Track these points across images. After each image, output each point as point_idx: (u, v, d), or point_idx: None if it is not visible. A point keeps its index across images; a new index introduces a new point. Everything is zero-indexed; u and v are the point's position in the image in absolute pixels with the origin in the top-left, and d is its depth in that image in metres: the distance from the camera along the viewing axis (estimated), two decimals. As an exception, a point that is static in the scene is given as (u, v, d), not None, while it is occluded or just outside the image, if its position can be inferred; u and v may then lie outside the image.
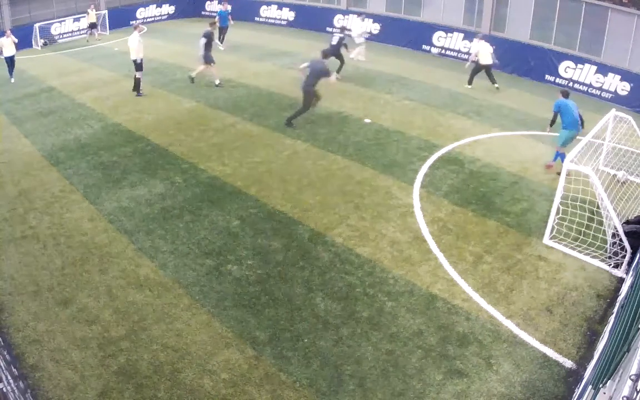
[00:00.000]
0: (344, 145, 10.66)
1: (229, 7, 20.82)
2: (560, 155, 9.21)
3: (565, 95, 9.32)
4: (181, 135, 11.17)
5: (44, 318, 5.82)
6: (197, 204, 8.32)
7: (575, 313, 6.02)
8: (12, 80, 16.12)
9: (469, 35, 18.51)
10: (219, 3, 22.92)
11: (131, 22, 25.42)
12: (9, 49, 16.17)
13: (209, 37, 14.66)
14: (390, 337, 5.59)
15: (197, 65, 15.02)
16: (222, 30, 19.88)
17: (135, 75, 14.04)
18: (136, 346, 5.43)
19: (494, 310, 6.01)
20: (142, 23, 25.36)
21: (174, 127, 11.69)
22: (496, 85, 14.81)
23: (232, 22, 20.47)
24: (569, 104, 9.12)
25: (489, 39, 18.00)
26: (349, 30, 15.60)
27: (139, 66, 13.93)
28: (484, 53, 14.68)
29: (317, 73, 11.34)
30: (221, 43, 19.75)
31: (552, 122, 9.45)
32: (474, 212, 8.16)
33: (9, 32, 16.73)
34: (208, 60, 14.75)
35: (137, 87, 14.08)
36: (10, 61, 16.21)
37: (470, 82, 15.08)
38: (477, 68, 14.93)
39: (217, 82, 14.79)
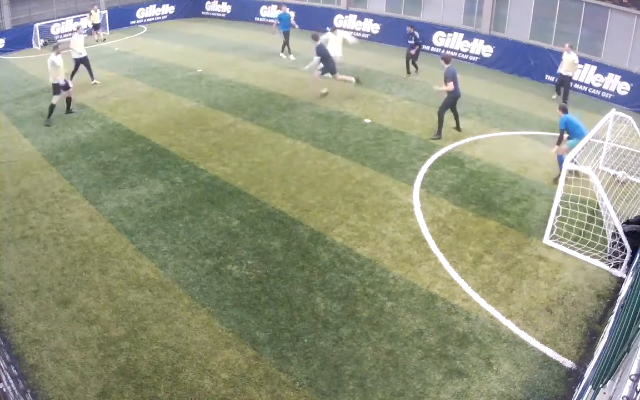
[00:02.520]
0: (344, 145, 10.66)
1: (287, 10, 18.87)
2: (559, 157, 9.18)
3: (565, 110, 9.10)
4: (181, 135, 11.17)
5: (44, 318, 5.82)
6: (197, 204, 8.32)
7: (575, 313, 6.02)
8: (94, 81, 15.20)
9: (469, 36, 18.52)
10: (278, 8, 20.48)
11: (131, 22, 25.52)
12: (80, 47, 14.61)
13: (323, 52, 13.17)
14: (390, 337, 5.59)
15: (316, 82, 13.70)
16: (285, 36, 18.03)
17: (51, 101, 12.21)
18: (136, 346, 5.43)
19: (494, 310, 6.01)
20: (142, 23, 25.46)
21: (174, 127, 11.69)
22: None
23: (296, 24, 18.26)
24: (573, 119, 8.94)
25: (489, 39, 18.07)
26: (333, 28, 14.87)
27: (56, 90, 12.11)
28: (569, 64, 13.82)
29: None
30: (289, 53, 18.09)
31: (560, 140, 8.98)
32: (474, 212, 8.16)
33: (78, 26, 15.08)
34: (331, 70, 13.27)
35: (50, 113, 12.11)
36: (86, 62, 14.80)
37: (560, 94, 14.32)
38: (562, 79, 14.07)
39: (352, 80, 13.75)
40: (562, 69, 13.85)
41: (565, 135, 8.98)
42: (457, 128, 11.55)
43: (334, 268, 6.76)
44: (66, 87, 12.25)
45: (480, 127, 11.91)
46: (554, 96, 14.27)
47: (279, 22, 18.00)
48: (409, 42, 16.08)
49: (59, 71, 12.07)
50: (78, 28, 15.06)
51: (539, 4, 17.04)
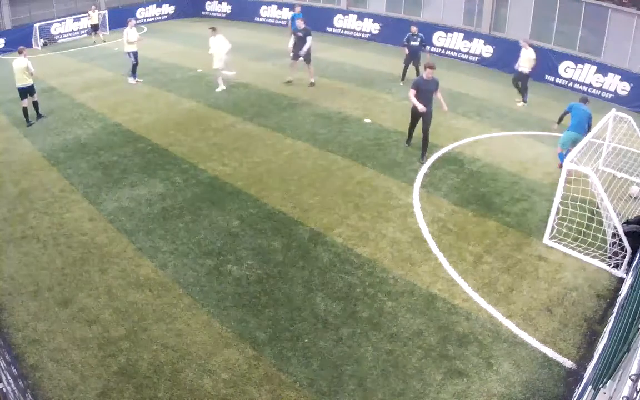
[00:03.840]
0: (344, 145, 10.66)
1: (299, 9, 17.41)
2: (559, 155, 9.22)
3: (583, 100, 9.37)
4: (181, 135, 11.17)
5: (44, 318, 5.82)
6: (197, 204, 8.32)
7: (575, 313, 6.01)
8: (135, 80, 15.19)
9: (469, 36, 18.52)
10: (290, 10, 19.73)
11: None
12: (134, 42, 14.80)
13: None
14: (390, 337, 5.59)
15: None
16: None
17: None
18: (136, 346, 5.43)
19: (494, 310, 6.01)
20: (142, 23, 25.46)
21: (174, 127, 11.69)
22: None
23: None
24: (581, 108, 9.12)
25: (489, 39, 18.07)
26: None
27: (22, 93, 11.88)
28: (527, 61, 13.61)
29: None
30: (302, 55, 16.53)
31: (560, 119, 9.62)
32: (474, 212, 8.16)
33: (132, 21, 15.27)
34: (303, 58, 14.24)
35: (27, 116, 11.97)
36: (135, 57, 14.93)
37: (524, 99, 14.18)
38: (518, 77, 13.87)
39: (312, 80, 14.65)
40: (520, 66, 13.52)
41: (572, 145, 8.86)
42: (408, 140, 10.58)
43: (334, 268, 6.75)
44: (32, 91, 11.96)
45: (480, 127, 11.91)
46: (519, 102, 13.67)
47: (291, 22, 16.75)
48: (412, 44, 14.87)
49: (19, 75, 11.78)
50: (129, 21, 15.37)
51: (539, 4, 17.05)
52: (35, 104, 12.21)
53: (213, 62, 14.14)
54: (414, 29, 15.10)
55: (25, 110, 11.95)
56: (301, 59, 14.48)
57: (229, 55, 14.20)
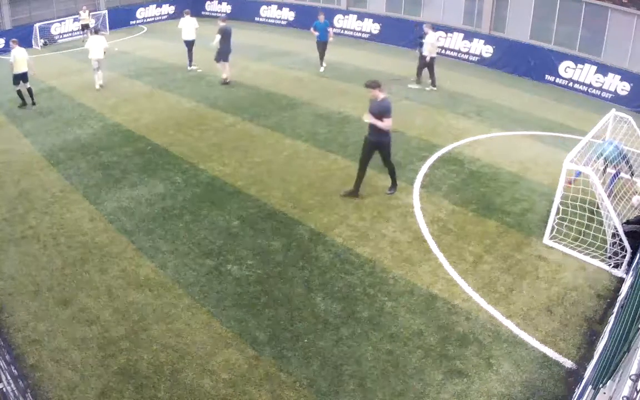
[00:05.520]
0: (344, 145, 10.66)
1: (323, 18, 16.16)
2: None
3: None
4: (181, 135, 11.17)
5: (44, 318, 5.82)
6: (197, 204, 8.32)
7: (575, 313, 6.02)
8: (194, 67, 16.53)
9: (469, 36, 18.52)
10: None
11: (131, 22, 25.52)
12: (189, 33, 16.17)
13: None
14: (390, 337, 5.59)
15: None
16: (321, 47, 16.17)
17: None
18: (136, 346, 5.43)
19: (494, 310, 6.01)
20: (142, 23, 25.47)
21: (174, 127, 11.69)
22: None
23: (332, 38, 16.17)
24: (605, 145, 8.42)
25: (489, 39, 18.07)
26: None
27: (16, 80, 13.15)
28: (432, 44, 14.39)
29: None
30: (321, 63, 16.48)
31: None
32: (474, 212, 8.16)
33: (187, 11, 16.84)
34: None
35: (22, 97, 13.26)
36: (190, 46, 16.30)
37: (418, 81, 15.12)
38: (424, 62, 14.64)
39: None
40: (425, 52, 14.18)
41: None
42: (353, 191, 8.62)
43: (334, 268, 6.75)
44: (25, 77, 13.15)
45: (480, 127, 11.91)
46: (425, 87, 14.58)
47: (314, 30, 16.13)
48: (422, 41, 14.80)
49: (21, 63, 13.02)
50: (188, 12, 16.91)
51: (539, 4, 17.05)
52: (29, 90, 13.33)
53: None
54: (427, 27, 15.29)
55: (19, 92, 13.19)
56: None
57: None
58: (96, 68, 14.64)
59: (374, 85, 8.10)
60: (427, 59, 14.26)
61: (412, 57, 18.58)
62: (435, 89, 14.57)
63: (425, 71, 14.74)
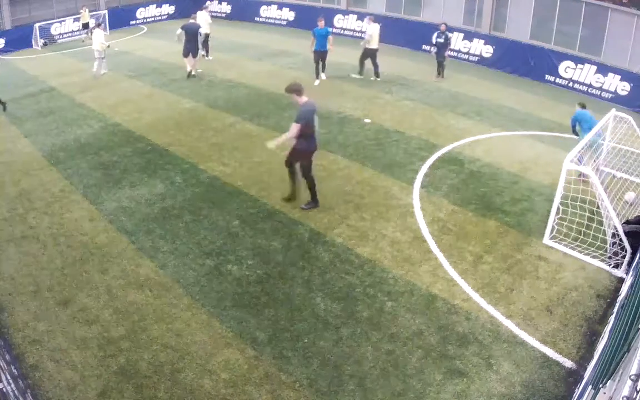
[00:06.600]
0: (344, 145, 10.66)
1: (323, 23, 14.76)
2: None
3: (582, 106, 9.26)
4: (181, 135, 11.17)
5: (44, 318, 5.82)
6: (197, 204, 8.32)
7: (575, 313, 6.02)
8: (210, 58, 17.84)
9: (469, 36, 18.53)
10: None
11: (131, 22, 25.51)
12: (203, 27, 16.75)
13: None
14: (390, 337, 5.59)
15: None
16: (320, 56, 14.87)
17: None
18: (136, 346, 5.42)
19: (494, 310, 6.01)
20: (142, 23, 25.47)
21: (174, 127, 11.69)
22: (378, 78, 15.39)
23: (332, 47, 14.83)
24: (586, 113, 9.01)
25: (489, 39, 18.07)
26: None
27: None
28: (375, 37, 14.95)
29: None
30: (322, 70, 15.31)
31: (575, 133, 9.29)
32: (474, 212, 8.16)
33: (206, 5, 17.93)
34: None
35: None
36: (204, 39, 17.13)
37: (361, 72, 15.68)
38: (366, 53, 15.28)
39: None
40: (372, 44, 14.86)
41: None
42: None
43: (334, 268, 6.75)
44: None
45: (480, 127, 11.91)
46: (357, 75, 15.39)
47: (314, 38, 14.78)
48: (438, 40, 15.52)
49: None
50: (206, 7, 18.31)
51: (539, 4, 17.06)
52: None
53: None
54: (443, 27, 15.67)
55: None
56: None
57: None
58: (99, 58, 15.42)
59: (291, 89, 7.43)
60: (374, 47, 14.98)
61: (411, 57, 18.67)
62: (379, 79, 15.32)
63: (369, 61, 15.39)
